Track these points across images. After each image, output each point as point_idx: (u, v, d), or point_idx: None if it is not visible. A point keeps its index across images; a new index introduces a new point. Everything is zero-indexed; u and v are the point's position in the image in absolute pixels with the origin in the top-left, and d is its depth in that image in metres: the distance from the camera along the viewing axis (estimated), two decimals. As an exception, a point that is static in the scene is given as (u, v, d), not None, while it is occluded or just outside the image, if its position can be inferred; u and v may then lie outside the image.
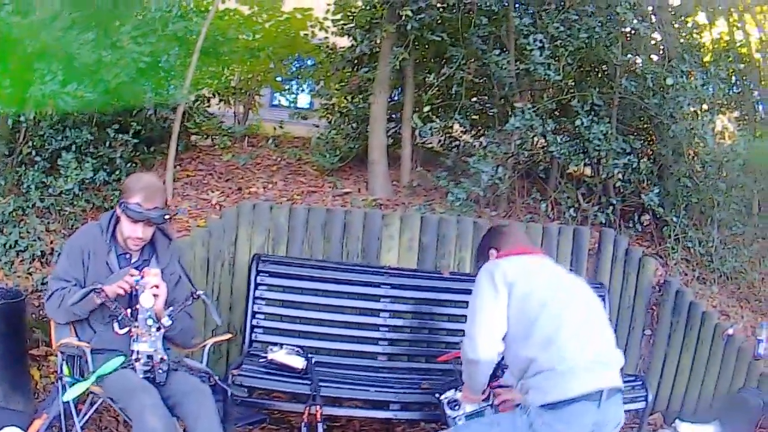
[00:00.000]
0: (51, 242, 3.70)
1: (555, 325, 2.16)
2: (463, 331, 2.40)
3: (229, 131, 4.77)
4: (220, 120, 5.33)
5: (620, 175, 4.35)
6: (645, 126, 4.61)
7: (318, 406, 2.84)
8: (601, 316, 2.38)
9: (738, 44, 5.48)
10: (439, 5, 4.34)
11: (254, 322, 3.45)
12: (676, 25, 4.63)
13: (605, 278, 4.13)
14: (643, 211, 4.48)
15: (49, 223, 3.76)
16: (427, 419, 3.16)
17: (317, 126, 5.32)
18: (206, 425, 2.34)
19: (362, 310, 3.52)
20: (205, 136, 4.76)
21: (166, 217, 2.65)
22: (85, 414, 2.56)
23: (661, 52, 4.48)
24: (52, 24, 3.65)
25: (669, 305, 4.03)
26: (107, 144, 4.02)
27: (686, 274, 4.55)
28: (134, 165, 4.29)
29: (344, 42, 5.23)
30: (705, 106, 4.26)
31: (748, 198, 5.02)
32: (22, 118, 3.64)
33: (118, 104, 4.00)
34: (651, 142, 4.56)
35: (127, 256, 2.61)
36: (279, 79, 5.86)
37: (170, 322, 2.46)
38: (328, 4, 5.32)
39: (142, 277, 2.43)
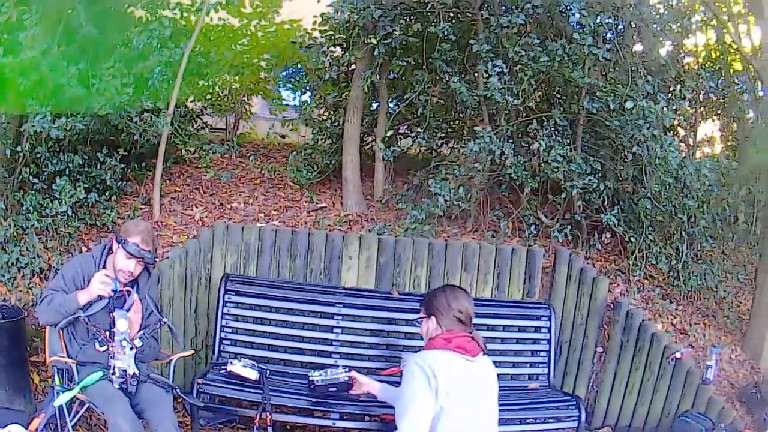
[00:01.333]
0: (49, 259, 4.43)
1: None
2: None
3: (212, 151, 5.35)
4: (212, 127, 5.97)
5: (580, 195, 4.75)
6: (609, 146, 4.97)
7: (268, 413, 3.51)
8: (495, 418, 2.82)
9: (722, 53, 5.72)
10: (404, 33, 4.77)
11: (222, 335, 4.15)
12: (639, 48, 4.93)
13: (560, 296, 4.64)
14: (604, 230, 4.90)
15: (46, 241, 4.48)
16: (365, 429, 3.77)
17: (304, 137, 5.89)
18: (165, 427, 3.03)
19: (318, 326, 4.15)
20: (191, 151, 5.39)
21: (156, 259, 3.32)
22: (77, 413, 3.30)
23: (622, 72, 4.80)
24: (42, 61, 4.33)
25: (620, 325, 4.49)
26: (98, 166, 4.71)
27: (650, 291, 4.97)
28: (124, 183, 4.99)
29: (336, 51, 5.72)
30: (666, 126, 4.56)
31: (726, 211, 5.36)
32: (19, 149, 4.34)
33: (105, 131, 4.67)
34: (615, 163, 4.93)
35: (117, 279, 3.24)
36: (270, 87, 6.43)
37: (140, 344, 3.15)
38: (315, 16, 5.82)
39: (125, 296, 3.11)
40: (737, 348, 4.90)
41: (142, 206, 4.96)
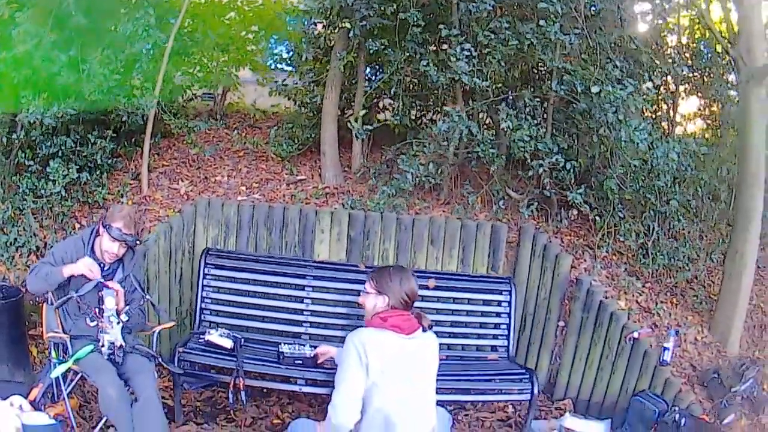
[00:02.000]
0: (45, 237, 4.92)
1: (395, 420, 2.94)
2: None
3: (197, 128, 5.74)
4: (204, 94, 6.34)
5: (549, 173, 5.06)
6: (577, 127, 5.24)
7: (241, 379, 4.01)
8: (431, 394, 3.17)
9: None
10: (378, 16, 5.04)
11: (202, 305, 4.66)
12: (612, 32, 5.12)
13: (524, 271, 5.02)
14: (571, 206, 5.21)
15: (42, 220, 4.98)
16: (328, 393, 4.24)
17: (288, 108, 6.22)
18: (148, 394, 3.56)
19: (290, 297, 4.63)
20: (178, 127, 5.80)
21: (137, 242, 3.79)
22: (71, 381, 3.86)
23: (591, 56, 5.02)
24: (35, 53, 4.74)
25: (581, 301, 4.84)
26: (89, 146, 5.15)
27: (617, 267, 5.29)
28: (114, 159, 5.43)
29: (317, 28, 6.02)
30: (633, 110, 4.79)
31: (700, 192, 5.59)
32: (14, 136, 4.80)
33: (96, 112, 5.09)
34: (583, 143, 5.20)
35: (101, 264, 3.75)
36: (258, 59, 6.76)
37: (127, 318, 3.66)
38: (299, -9, 6.11)
39: (106, 287, 3.59)
40: (704, 330, 5.11)
41: (132, 181, 5.41)
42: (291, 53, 6.01)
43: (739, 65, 5.24)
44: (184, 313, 4.95)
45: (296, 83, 6.04)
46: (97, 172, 5.24)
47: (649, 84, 5.70)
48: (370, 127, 5.27)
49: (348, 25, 4.98)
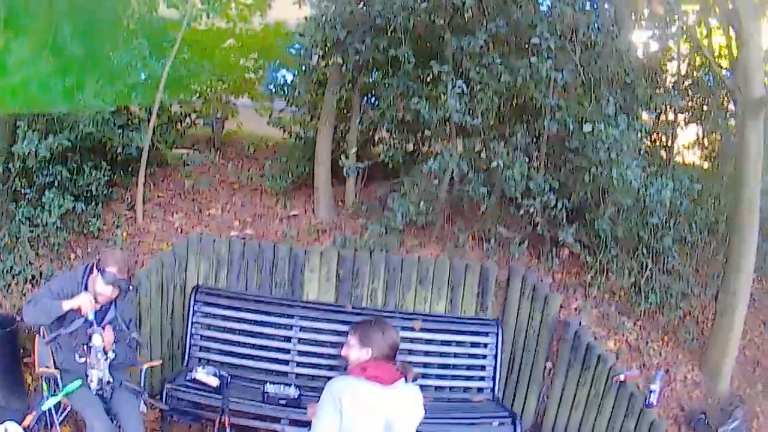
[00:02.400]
0: (40, 266, 5.09)
1: None
2: None
3: (191, 161, 5.89)
4: (203, 120, 6.53)
5: (539, 212, 5.12)
6: (570, 165, 5.29)
7: (226, 417, 4.15)
8: None
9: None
10: (371, 51, 5.14)
11: (192, 341, 4.80)
12: (609, 65, 5.17)
13: (513, 311, 5.10)
14: (563, 245, 5.27)
15: (38, 248, 5.15)
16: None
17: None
18: (133, 428, 3.75)
19: (278, 336, 4.75)
20: (172, 160, 5.95)
21: (130, 287, 3.95)
22: (64, 410, 4.00)
23: (586, 90, 5.08)
24: (31, 82, 4.92)
25: (568, 343, 4.91)
26: (85, 175, 5.31)
27: (608, 306, 5.35)
28: (110, 189, 5.60)
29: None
30: (625, 150, 4.83)
31: (694, 228, 5.63)
32: (10, 165, 4.97)
33: (90, 142, 5.26)
34: (575, 182, 5.25)
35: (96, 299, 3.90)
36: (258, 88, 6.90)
37: (114, 356, 3.82)
38: (298, 18, 6.20)
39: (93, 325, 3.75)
40: (694, 368, 5.17)
41: (127, 212, 5.57)
42: (288, 83, 6.09)
43: (737, 97, 5.28)
44: (176, 346, 5.08)
45: (292, 113, 6.14)
46: (93, 203, 5.40)
47: (646, 115, 5.76)
48: (361, 165, 5.39)
49: (340, 60, 5.08)
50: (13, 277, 5.00)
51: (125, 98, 5.47)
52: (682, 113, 6.09)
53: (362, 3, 5.09)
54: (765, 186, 5.51)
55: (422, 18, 5.00)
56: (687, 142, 6.41)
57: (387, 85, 5.28)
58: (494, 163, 4.98)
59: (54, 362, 3.94)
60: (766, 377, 5.49)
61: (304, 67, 5.62)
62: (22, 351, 4.67)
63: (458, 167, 4.95)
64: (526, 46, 5.07)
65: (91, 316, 3.75)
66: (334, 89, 5.44)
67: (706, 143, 6.34)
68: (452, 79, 4.93)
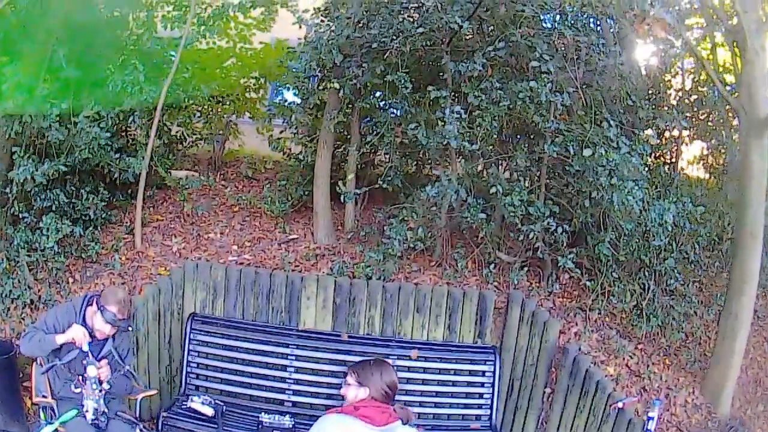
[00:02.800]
0: (39, 291, 5.11)
1: None
2: None
3: (189, 185, 5.89)
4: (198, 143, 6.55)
5: (538, 237, 5.07)
6: (570, 189, 5.23)
7: (222, 447, 4.16)
8: None
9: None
10: (369, 75, 5.11)
11: (188, 369, 4.81)
12: (611, 86, 5.11)
13: (512, 336, 5.05)
14: (563, 270, 5.22)
15: (36, 273, 5.17)
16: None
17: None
18: None
19: (274, 365, 4.74)
20: (171, 183, 5.94)
21: (129, 327, 3.99)
22: None
23: (588, 112, 5.02)
24: (26, 107, 4.92)
25: (567, 369, 4.86)
26: (83, 199, 5.32)
27: (608, 330, 5.29)
28: (109, 212, 5.61)
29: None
30: (626, 174, 4.76)
31: (696, 249, 5.56)
32: (8, 189, 4.99)
33: (88, 170, 5.26)
34: (575, 207, 5.19)
35: (91, 333, 3.93)
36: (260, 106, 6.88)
37: (109, 386, 3.85)
38: (299, 38, 6.17)
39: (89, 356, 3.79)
40: (695, 391, 5.13)
41: (126, 236, 5.57)
42: (288, 104, 6.08)
43: (741, 117, 5.19)
44: (174, 372, 5.08)
45: (292, 134, 6.11)
46: (91, 227, 5.41)
47: (650, 131, 5.68)
48: (358, 191, 5.37)
49: (337, 85, 5.06)
50: (12, 302, 5.03)
51: (123, 122, 5.48)
52: (686, 129, 5.99)
53: (359, 27, 5.04)
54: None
55: (419, 42, 4.95)
56: (692, 156, 6.32)
57: (385, 110, 5.24)
58: (492, 189, 4.93)
59: (51, 391, 3.98)
60: (767, 398, 5.43)
61: (302, 90, 5.57)
62: (21, 375, 4.71)
63: (457, 193, 4.89)
64: (526, 68, 5.00)
65: (85, 347, 3.80)
66: (331, 113, 5.41)
67: (710, 160, 6.24)
68: (450, 104, 4.88)
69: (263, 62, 6.67)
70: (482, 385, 4.82)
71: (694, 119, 6.12)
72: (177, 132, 6.34)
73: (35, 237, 5.13)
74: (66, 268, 5.27)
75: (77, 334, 3.79)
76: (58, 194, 5.21)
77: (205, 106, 6.36)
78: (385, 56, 4.93)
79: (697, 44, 6.09)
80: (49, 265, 5.17)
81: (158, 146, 5.99)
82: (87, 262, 5.36)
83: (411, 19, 5.04)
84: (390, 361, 4.38)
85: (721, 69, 6.13)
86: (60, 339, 3.78)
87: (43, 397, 3.96)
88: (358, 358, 4.65)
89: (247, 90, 6.71)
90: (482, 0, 4.88)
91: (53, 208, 5.22)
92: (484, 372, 4.82)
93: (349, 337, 4.79)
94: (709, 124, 6.07)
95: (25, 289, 5.08)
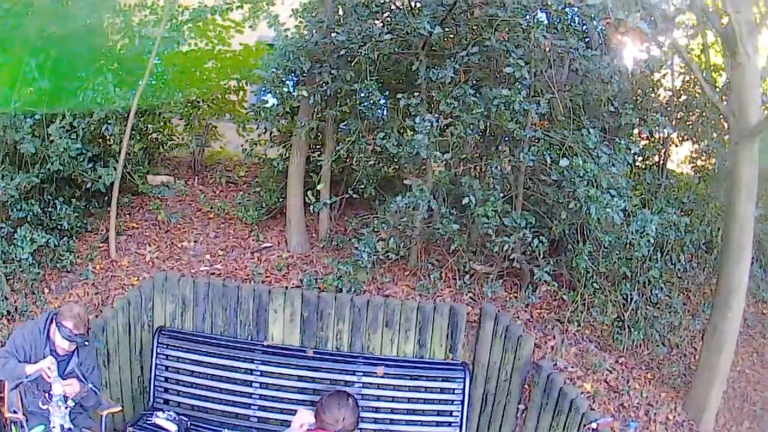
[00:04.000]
0: (15, 301, 5.13)
1: None
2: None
3: (161, 194, 5.87)
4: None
5: (513, 248, 4.92)
6: (548, 199, 5.05)
7: (184, 462, 4.18)
8: None
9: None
10: (337, 82, 4.99)
11: (156, 383, 4.82)
12: (593, 90, 4.91)
13: (485, 350, 4.95)
14: (542, 281, 5.07)
15: (13, 283, 5.19)
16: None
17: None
18: None
19: (239, 380, 4.71)
20: (146, 190, 5.91)
21: (86, 342, 4.03)
22: None
23: (568, 117, 4.82)
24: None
25: (540, 387, 4.75)
26: (57, 210, 5.31)
27: (589, 341, 5.15)
28: (85, 220, 5.60)
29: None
30: (605, 186, 4.57)
31: (682, 258, 5.36)
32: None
33: (63, 179, 5.25)
34: (551, 218, 5.03)
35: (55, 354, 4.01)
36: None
37: (73, 404, 3.92)
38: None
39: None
40: (677, 407, 4.95)
41: (101, 245, 5.57)
42: (268, 107, 5.97)
43: (730, 123, 4.94)
44: (145, 383, 5.08)
45: (267, 139, 5.99)
46: (66, 237, 5.40)
47: (635, 133, 5.47)
48: (328, 201, 5.27)
49: (305, 93, 4.94)
50: (-12, 313, 5.05)
51: (97, 130, 5.44)
52: (675, 131, 5.75)
53: (328, 33, 4.90)
54: (764, 211, 5.23)
55: (388, 48, 4.80)
56: (683, 157, 6.09)
57: (356, 117, 5.11)
58: (464, 201, 4.79)
59: (23, 405, 4.06)
60: (754, 414, 5.25)
61: (277, 94, 5.45)
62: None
63: (427, 203, 4.76)
64: (502, 74, 4.81)
65: (53, 375, 3.84)
66: (302, 120, 5.30)
67: (700, 163, 6.00)
68: (421, 112, 4.74)
69: (243, 63, 6.56)
70: (452, 402, 4.73)
71: (684, 120, 5.87)
72: (156, 136, 6.29)
73: (11, 249, 5.14)
74: (42, 278, 5.29)
75: (45, 366, 3.83)
76: (33, 205, 5.21)
77: (184, 110, 6.28)
78: (352, 63, 4.78)
79: (687, 43, 5.83)
80: (25, 276, 5.18)
81: (136, 151, 5.98)
82: (62, 272, 5.37)
83: (382, 24, 4.88)
84: (353, 390, 4.39)
85: (713, 70, 5.86)
86: (30, 369, 3.86)
87: (14, 412, 4.04)
88: (324, 375, 4.64)
89: (228, 92, 6.62)
90: (454, 5, 4.69)
91: (28, 219, 5.22)
92: (453, 389, 4.72)
93: (315, 352, 4.74)
94: (700, 125, 5.80)
95: (2, 300, 5.09)
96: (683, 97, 5.88)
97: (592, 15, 4.70)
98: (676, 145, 6.02)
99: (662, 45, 4.98)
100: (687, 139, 5.97)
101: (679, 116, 5.76)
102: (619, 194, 4.65)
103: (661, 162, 5.89)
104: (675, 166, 6.21)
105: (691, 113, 5.82)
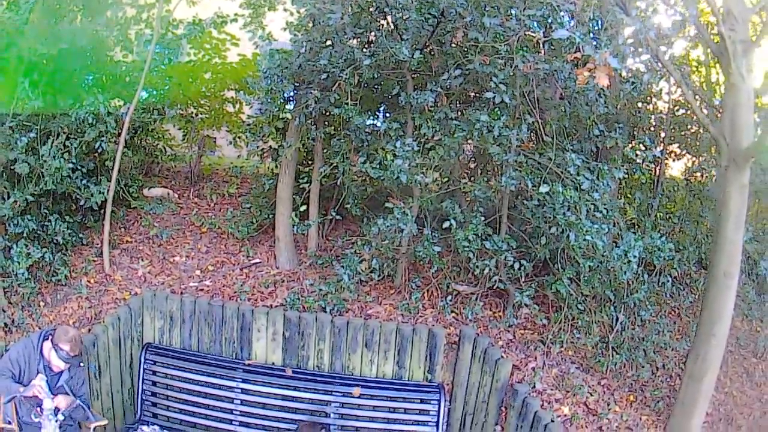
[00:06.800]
0: (12, 314, 5.40)
1: None
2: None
3: (153, 211, 6.04)
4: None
5: (494, 272, 5.00)
6: (529, 224, 5.10)
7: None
8: None
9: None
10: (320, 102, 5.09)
11: (143, 397, 5.04)
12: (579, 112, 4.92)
13: (464, 372, 5.05)
14: (522, 304, 5.14)
15: (10, 296, 5.45)
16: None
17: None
18: None
19: (221, 397, 4.91)
20: (139, 205, 6.10)
21: (81, 364, 4.27)
22: None
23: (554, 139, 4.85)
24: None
25: (516, 410, 4.84)
26: (52, 225, 5.54)
27: (571, 363, 5.21)
28: (80, 234, 5.82)
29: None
30: (584, 213, 4.60)
31: (669, 281, 5.37)
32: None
33: (59, 194, 5.46)
34: (532, 242, 5.07)
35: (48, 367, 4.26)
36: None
37: (62, 417, 4.17)
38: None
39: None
40: (659, 431, 5.00)
41: (95, 259, 5.80)
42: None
43: (721, 145, 4.87)
44: (135, 395, 5.31)
45: (258, 155, 6.12)
46: (61, 251, 5.64)
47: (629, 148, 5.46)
48: (311, 222, 5.39)
49: (289, 115, 5.05)
50: (-13, 325, 5.31)
51: (89, 150, 5.63)
52: (671, 144, 5.71)
53: (311, 56, 4.98)
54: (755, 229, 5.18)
55: (368, 73, 4.86)
56: (678, 171, 6.05)
57: (341, 138, 5.21)
58: (445, 224, 4.86)
59: (18, 416, 4.26)
60: (739, 440, 5.29)
61: (267, 112, 5.57)
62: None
63: (408, 226, 4.85)
64: (483, 98, 4.85)
65: (44, 392, 4.10)
66: (288, 141, 5.41)
67: (694, 179, 5.96)
68: (401, 136, 4.81)
69: (241, 74, 6.66)
70: (428, 423, 4.86)
71: (680, 134, 5.82)
72: (152, 149, 6.46)
73: (8, 263, 5.38)
74: (38, 292, 5.53)
75: (37, 387, 4.08)
76: (29, 221, 5.44)
77: (181, 122, 6.44)
78: (333, 87, 4.87)
79: (687, 53, 5.77)
80: (21, 289, 5.43)
81: (133, 165, 6.17)
82: (57, 285, 5.62)
83: (363, 49, 4.94)
84: (331, 409, 4.52)
85: (714, 83, 5.78)
86: (22, 389, 4.09)
87: (8, 423, 4.26)
88: (303, 395, 4.79)
89: (225, 102, 6.75)
90: (435, 30, 4.73)
91: (24, 234, 5.46)
92: (429, 411, 4.85)
93: (294, 372, 4.90)
94: (697, 141, 5.75)
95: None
96: (680, 111, 5.82)
97: (561, 49, 4.69)
98: (673, 160, 5.97)
99: (658, 59, 4.88)
100: (685, 155, 5.92)
101: (674, 131, 5.71)
102: (605, 216, 4.68)
103: (656, 178, 5.87)
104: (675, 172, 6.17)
105: (689, 127, 5.75)
